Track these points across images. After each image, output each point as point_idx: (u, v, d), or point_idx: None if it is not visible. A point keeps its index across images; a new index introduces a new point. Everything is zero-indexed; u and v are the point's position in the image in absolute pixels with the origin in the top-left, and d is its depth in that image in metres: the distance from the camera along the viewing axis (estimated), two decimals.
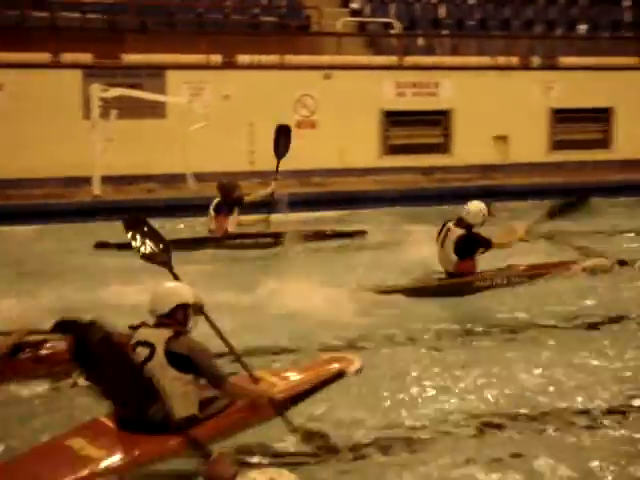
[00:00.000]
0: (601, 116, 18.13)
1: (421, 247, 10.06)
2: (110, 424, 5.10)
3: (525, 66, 17.96)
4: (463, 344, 7.55)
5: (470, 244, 8.78)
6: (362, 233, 11.84)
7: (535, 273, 9.31)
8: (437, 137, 17.40)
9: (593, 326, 8.01)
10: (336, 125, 16.18)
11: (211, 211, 11.06)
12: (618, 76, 17.96)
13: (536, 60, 18.15)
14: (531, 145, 17.50)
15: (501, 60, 17.82)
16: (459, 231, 8.78)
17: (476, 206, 8.86)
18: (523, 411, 6.00)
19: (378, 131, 16.83)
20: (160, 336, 5.13)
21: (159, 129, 15.08)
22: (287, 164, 15.27)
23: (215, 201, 11.08)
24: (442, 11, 19.15)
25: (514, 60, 17.94)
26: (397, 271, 9.49)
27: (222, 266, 10.10)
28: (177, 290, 5.34)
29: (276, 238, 11.12)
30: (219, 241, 10.96)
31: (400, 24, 18.12)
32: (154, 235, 6.18)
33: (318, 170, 15.77)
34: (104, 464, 4.81)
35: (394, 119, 16.90)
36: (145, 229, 6.09)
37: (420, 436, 5.61)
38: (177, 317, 5.24)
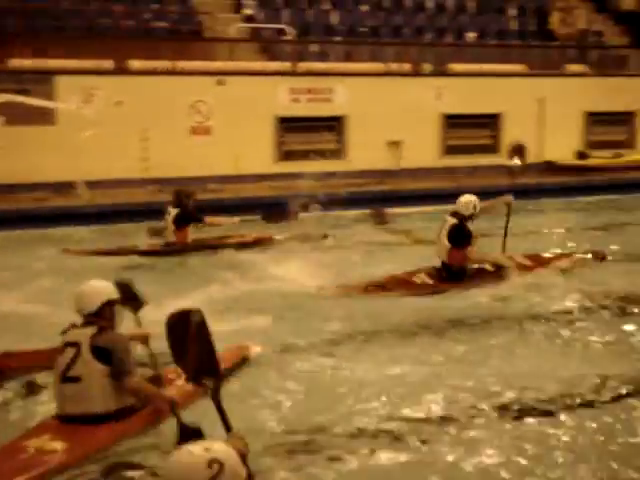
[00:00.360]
0: (490, 122, 18.59)
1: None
2: (57, 422, 5.34)
3: (416, 72, 18.27)
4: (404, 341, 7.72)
5: (461, 233, 9.13)
6: (325, 236, 11.93)
7: (528, 265, 9.68)
8: (332, 143, 17.53)
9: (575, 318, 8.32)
10: (231, 131, 16.13)
11: (170, 224, 10.83)
12: (505, 83, 18.47)
13: (427, 67, 18.47)
14: (423, 150, 17.80)
15: (393, 66, 18.09)
16: (452, 220, 9.20)
17: (466, 198, 9.31)
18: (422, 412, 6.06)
19: (273, 137, 16.86)
20: (85, 334, 5.28)
21: (49, 136, 14.74)
22: (181, 171, 15.27)
23: (174, 212, 10.83)
24: (335, 18, 19.32)
25: (406, 67, 18.22)
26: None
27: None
28: (103, 288, 5.45)
29: (237, 248, 11.07)
30: (181, 252, 10.84)
31: (293, 30, 18.20)
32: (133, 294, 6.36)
33: (213, 177, 15.67)
34: (66, 456, 5.04)
35: (289, 125, 16.96)
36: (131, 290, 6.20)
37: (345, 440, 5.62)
38: (105, 315, 5.38)
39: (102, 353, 5.24)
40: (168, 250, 10.87)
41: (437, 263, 9.38)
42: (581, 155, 18.84)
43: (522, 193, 16.12)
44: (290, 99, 16.97)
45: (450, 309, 8.63)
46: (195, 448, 2.82)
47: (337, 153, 17.39)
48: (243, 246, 11.19)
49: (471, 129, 18.50)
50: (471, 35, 19.81)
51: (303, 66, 17.36)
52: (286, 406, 6.08)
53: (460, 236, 9.12)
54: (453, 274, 9.24)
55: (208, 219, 11.08)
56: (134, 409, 5.43)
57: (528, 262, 9.83)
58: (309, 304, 8.66)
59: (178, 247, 10.87)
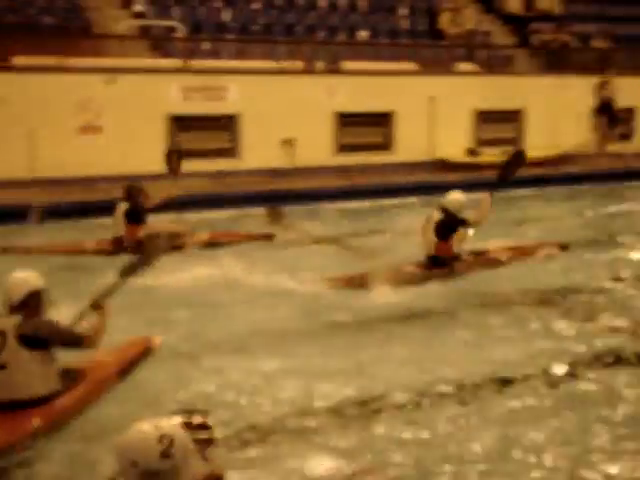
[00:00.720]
0: (383, 120, 18.74)
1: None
2: None
3: (309, 71, 18.28)
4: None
5: (448, 226, 9.55)
6: (270, 236, 11.85)
7: (509, 256, 10.27)
8: (226, 141, 17.37)
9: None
10: (121, 130, 15.81)
11: (121, 218, 10.69)
12: (397, 81, 18.66)
13: (320, 65, 18.51)
14: (317, 148, 17.83)
15: (286, 64, 18.05)
16: (439, 215, 9.61)
17: (455, 193, 9.72)
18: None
19: (165, 136, 16.58)
20: (9, 323, 5.51)
21: None
22: (71, 171, 14.90)
23: (123, 207, 10.72)
24: (226, 15, 19.16)
25: (299, 65, 18.22)
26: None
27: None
28: (27, 278, 5.62)
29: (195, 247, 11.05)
30: (134, 250, 10.44)
31: (184, 27, 17.96)
32: None
33: (104, 177, 15.32)
34: None
35: (181, 123, 16.71)
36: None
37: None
38: (30, 305, 5.55)
39: (29, 340, 5.47)
40: (117, 249, 10.64)
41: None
42: (472, 152, 19.22)
43: (417, 189, 16.44)
44: (182, 97, 16.73)
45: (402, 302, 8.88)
46: (145, 426, 3.13)
47: (231, 152, 17.26)
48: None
49: (364, 127, 18.61)
50: (363, 34, 19.96)
51: (195, 64, 17.15)
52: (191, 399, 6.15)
53: (447, 229, 9.56)
54: (440, 265, 9.62)
55: (156, 224, 10.93)
56: (59, 394, 5.66)
57: (506, 252, 10.37)
58: (245, 301, 8.80)
59: (130, 244, 10.57)
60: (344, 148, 18.22)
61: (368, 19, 20.53)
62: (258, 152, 17.09)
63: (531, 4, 22.22)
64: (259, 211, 12.94)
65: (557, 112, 19.81)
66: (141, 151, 15.95)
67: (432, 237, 9.59)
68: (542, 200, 16.60)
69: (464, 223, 9.64)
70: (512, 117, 20.20)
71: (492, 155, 19.13)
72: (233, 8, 19.33)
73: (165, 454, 3.08)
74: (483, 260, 10.10)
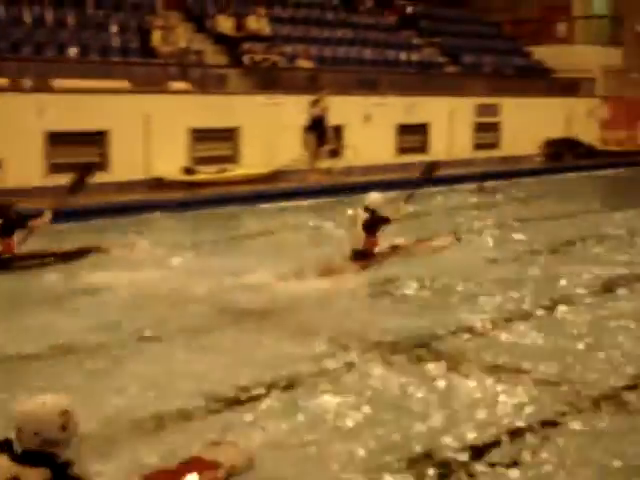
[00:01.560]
0: (97, 138, 18.36)
1: None
2: None
3: (16, 88, 17.53)
4: None
5: (374, 223, 11.29)
6: (99, 249, 12.30)
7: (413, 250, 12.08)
8: None
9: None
10: None
11: None
12: (111, 99, 18.37)
13: (27, 82, 17.80)
14: (27, 169, 17.14)
15: None
16: (365, 215, 11.31)
17: (375, 194, 11.48)
18: None
19: None
20: None
21: None
22: None
23: None
24: None
25: (4, 82, 17.42)
26: None
27: None
28: None
29: (64, 258, 11.62)
30: (13, 262, 11.23)
31: None
32: None
33: None
34: None
35: None
36: None
37: None
38: None
39: None
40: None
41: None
42: (188, 171, 19.29)
43: (131, 209, 16.22)
44: None
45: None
46: (47, 400, 3.58)
47: None
48: (69, 256, 11.76)
49: (78, 146, 18.11)
50: (73, 50, 19.42)
51: None
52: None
53: (373, 225, 11.25)
54: (365, 257, 11.25)
55: (30, 223, 11.49)
56: None
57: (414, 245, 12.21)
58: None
59: (7, 256, 11.22)
60: (56, 168, 17.61)
61: (77, 36, 19.98)
62: None
63: (241, 25, 22.72)
64: None
65: (271, 130, 20.39)
66: None
67: (362, 233, 11.21)
68: (255, 215, 17.06)
69: (386, 220, 11.40)
70: (227, 135, 20.53)
71: (208, 173, 19.40)
72: None
73: (64, 427, 3.56)
74: (397, 252, 11.76)
